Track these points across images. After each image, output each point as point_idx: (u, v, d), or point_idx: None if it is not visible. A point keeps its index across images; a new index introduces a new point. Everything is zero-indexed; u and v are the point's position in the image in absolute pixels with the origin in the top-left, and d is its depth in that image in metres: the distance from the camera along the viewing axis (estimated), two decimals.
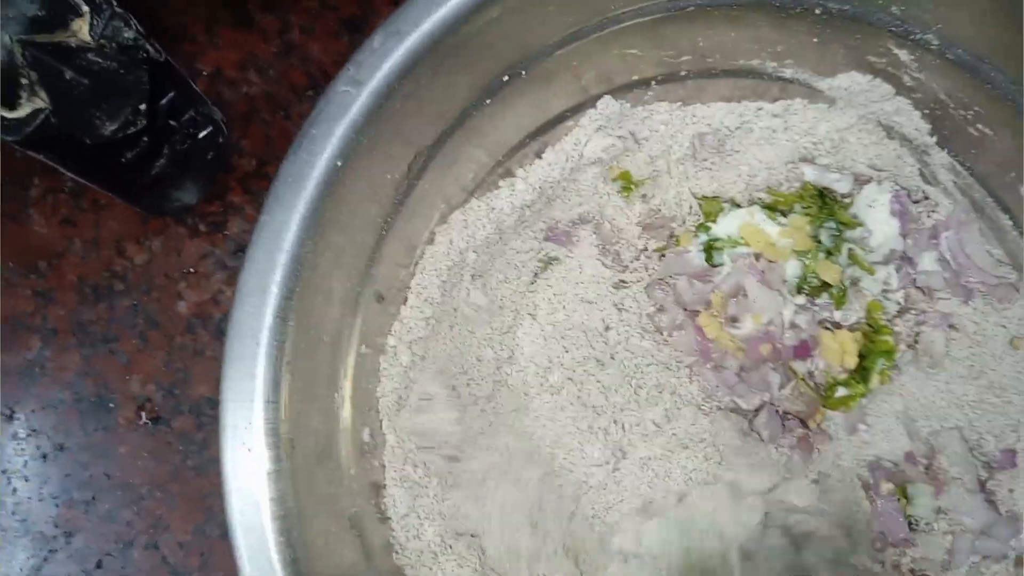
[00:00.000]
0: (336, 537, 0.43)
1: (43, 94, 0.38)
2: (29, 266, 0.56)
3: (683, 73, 0.55)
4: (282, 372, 0.40)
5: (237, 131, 0.58)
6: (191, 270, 0.56)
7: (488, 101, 0.49)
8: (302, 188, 0.41)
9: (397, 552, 0.46)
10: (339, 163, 0.42)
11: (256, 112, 0.58)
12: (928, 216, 0.54)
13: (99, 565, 0.52)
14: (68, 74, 0.38)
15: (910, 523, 0.48)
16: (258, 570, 0.37)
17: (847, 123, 0.54)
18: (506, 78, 0.49)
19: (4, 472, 0.53)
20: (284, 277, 0.40)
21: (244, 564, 0.37)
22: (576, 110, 0.54)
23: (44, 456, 0.54)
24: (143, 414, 0.54)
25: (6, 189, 0.56)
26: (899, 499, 0.49)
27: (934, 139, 0.54)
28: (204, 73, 0.58)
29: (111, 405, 0.54)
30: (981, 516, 0.48)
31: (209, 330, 0.55)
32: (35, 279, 0.56)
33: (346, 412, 0.46)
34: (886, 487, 0.49)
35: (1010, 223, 0.53)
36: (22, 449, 0.54)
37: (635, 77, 0.55)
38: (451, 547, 0.47)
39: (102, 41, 0.39)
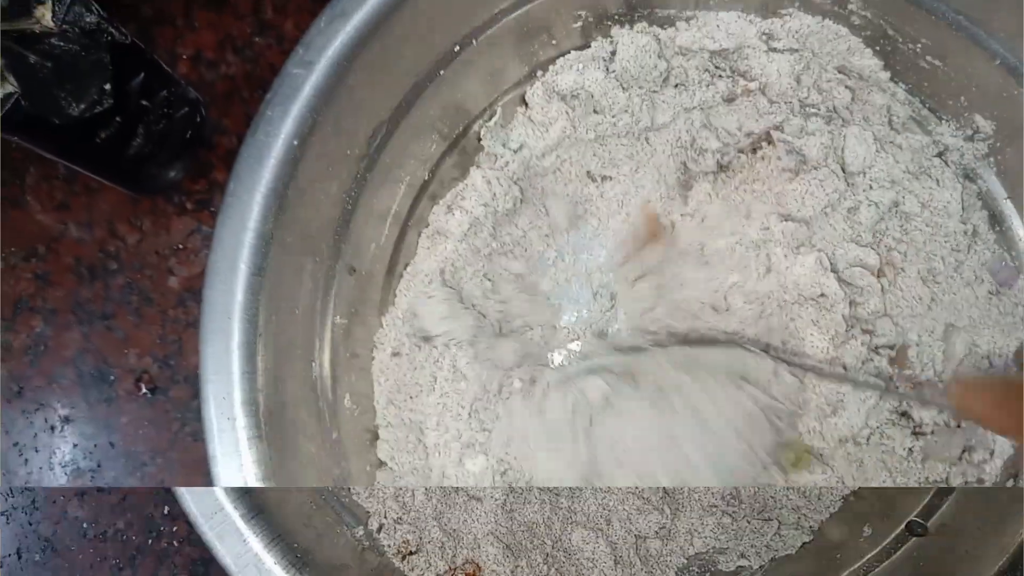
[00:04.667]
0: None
1: (11, 78, 0.40)
2: (28, 250, 0.58)
3: None
4: (256, 345, 0.43)
5: (218, 110, 0.60)
6: (180, 246, 0.58)
7: (442, 72, 0.50)
8: (262, 168, 0.43)
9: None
10: (295, 142, 0.44)
11: (236, 91, 0.60)
12: None
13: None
14: (32, 58, 0.41)
15: None
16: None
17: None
18: (457, 48, 0.50)
19: (16, 445, 0.57)
20: (251, 255, 0.43)
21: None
22: (530, 76, 0.55)
23: (52, 428, 0.57)
24: (142, 385, 0.57)
25: (4, 177, 0.59)
26: None
27: (888, 75, 0.55)
28: (184, 56, 0.60)
29: (111, 378, 0.57)
30: None
31: (199, 302, 0.57)
32: (35, 262, 0.58)
33: (326, 379, 0.48)
34: None
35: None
36: (31, 423, 0.57)
37: (580, 42, 0.56)
38: None
39: (65, 26, 0.41)
